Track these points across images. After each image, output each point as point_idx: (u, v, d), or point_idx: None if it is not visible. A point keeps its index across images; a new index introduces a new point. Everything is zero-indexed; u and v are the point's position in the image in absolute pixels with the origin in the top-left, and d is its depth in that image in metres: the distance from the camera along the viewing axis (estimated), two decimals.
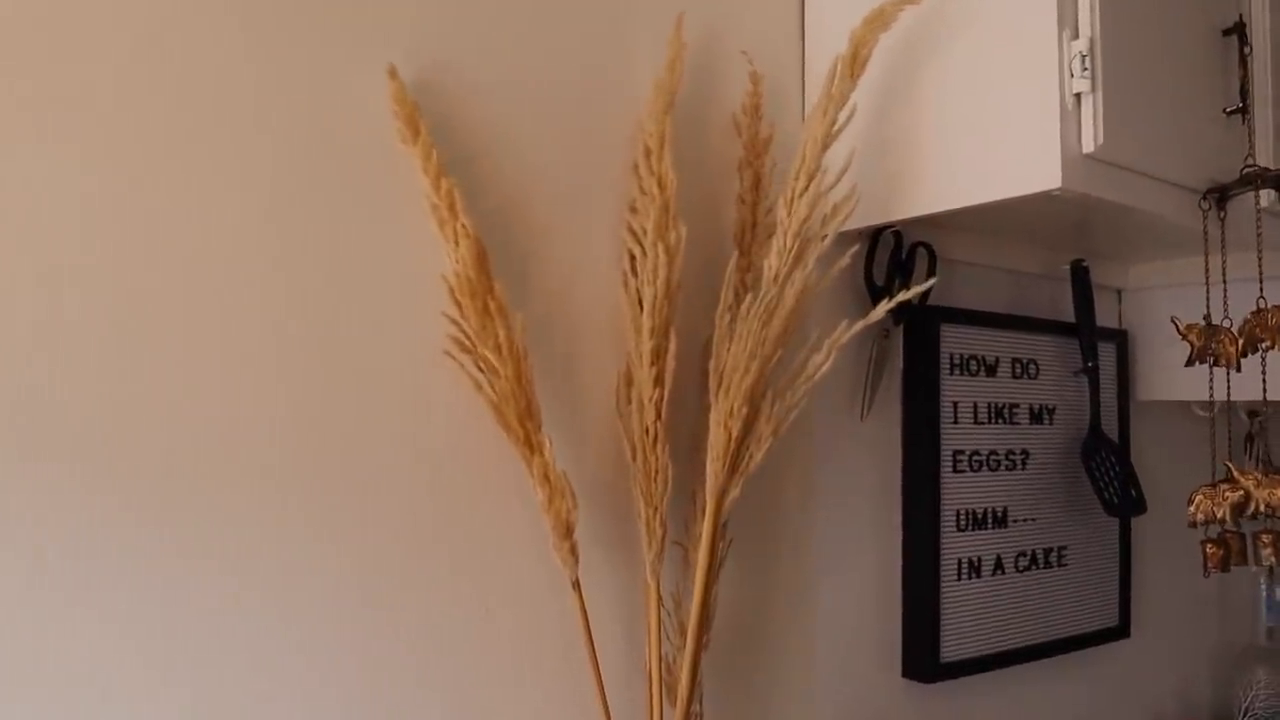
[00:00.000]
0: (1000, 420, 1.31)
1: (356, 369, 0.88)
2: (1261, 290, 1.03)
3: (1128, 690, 1.58)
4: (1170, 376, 1.49)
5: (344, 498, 0.87)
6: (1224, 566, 1.03)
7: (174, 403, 0.79)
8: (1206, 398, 1.10)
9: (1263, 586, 1.70)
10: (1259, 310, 1.02)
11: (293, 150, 0.86)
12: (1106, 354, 1.46)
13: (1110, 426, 1.45)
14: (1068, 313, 1.39)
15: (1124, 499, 1.37)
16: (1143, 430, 1.55)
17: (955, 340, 1.26)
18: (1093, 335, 1.38)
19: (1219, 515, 1.01)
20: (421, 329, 0.90)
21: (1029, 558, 1.35)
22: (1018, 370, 1.34)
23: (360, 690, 0.87)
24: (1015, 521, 1.33)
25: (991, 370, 1.31)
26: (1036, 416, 1.36)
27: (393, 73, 0.89)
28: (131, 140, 0.78)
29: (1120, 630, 1.49)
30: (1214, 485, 1.03)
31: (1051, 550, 1.38)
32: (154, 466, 0.78)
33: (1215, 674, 1.74)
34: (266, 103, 0.85)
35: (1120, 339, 1.50)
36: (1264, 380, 1.03)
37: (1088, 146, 0.92)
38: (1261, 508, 0.99)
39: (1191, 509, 1.04)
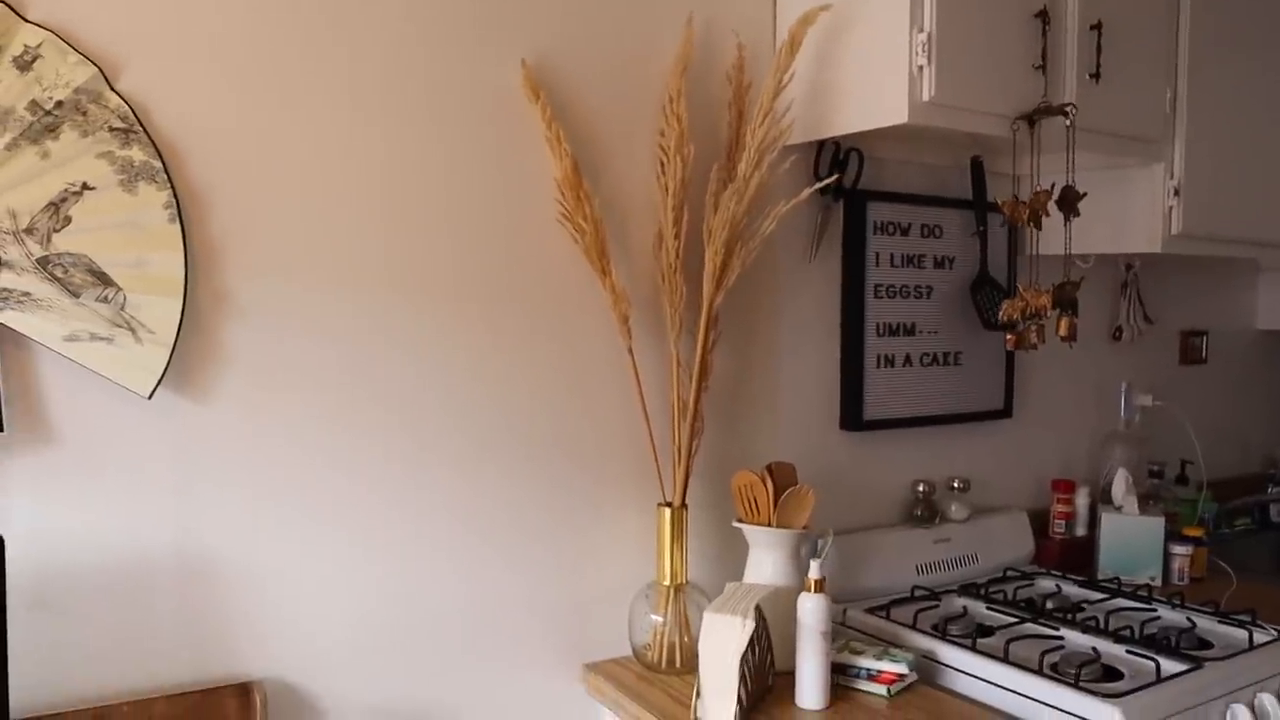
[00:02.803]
0: (911, 265, 1.98)
1: (509, 230, 1.59)
2: (1038, 178, 1.68)
3: (1015, 455, 2.27)
4: (1046, 238, 2.13)
5: (501, 304, 1.59)
6: (1019, 346, 1.70)
7: (413, 248, 1.51)
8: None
9: (1123, 388, 2.37)
10: (1035, 193, 1.67)
11: (469, 107, 1.55)
12: (997, 222, 2.10)
13: (1001, 273, 2.11)
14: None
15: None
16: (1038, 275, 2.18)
17: (878, 212, 1.93)
18: (983, 209, 2.03)
19: (1015, 315, 1.69)
20: (544, 207, 1.61)
21: (931, 357, 2.03)
22: (925, 232, 2.00)
23: (502, 399, 1.61)
24: (922, 333, 2.01)
25: (905, 232, 1.97)
26: (939, 264, 2.03)
27: (523, 63, 1.57)
28: (388, 114, 1.48)
29: (1005, 412, 2.17)
30: (1013, 298, 1.70)
31: (949, 354, 2.06)
32: (413, 287, 1.50)
33: (1091, 450, 2.42)
34: (452, 82, 1.53)
35: None
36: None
37: (926, 96, 1.56)
38: (1032, 310, 1.66)
39: (1001, 314, 1.71)
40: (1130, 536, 2.10)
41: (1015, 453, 2.27)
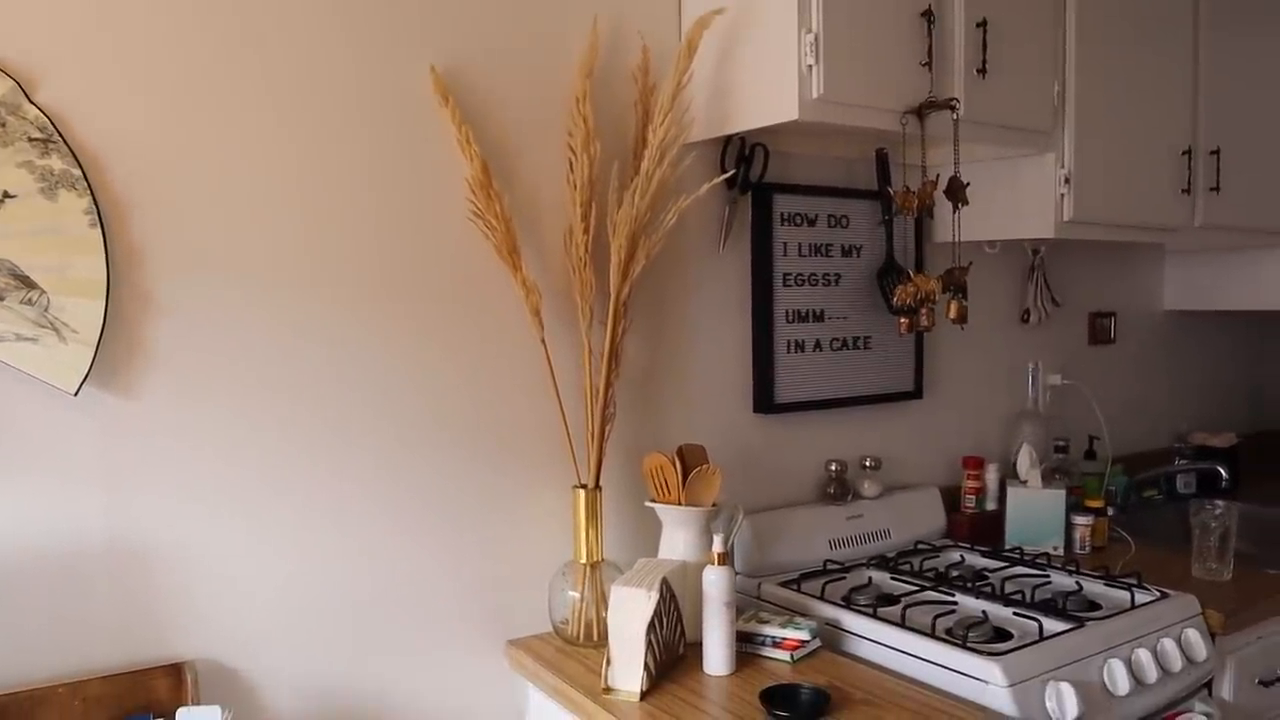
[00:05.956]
0: (819, 254, 2.08)
1: (426, 226, 1.67)
2: (925, 171, 1.78)
3: (926, 434, 2.38)
4: (950, 226, 2.23)
5: (418, 298, 1.67)
6: (911, 330, 1.81)
7: (332, 246, 1.58)
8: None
9: (1030, 369, 2.48)
10: (922, 184, 1.77)
11: (383, 111, 1.62)
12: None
13: (910, 260, 2.21)
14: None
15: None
16: (945, 262, 2.29)
17: (784, 204, 2.02)
18: (888, 199, 2.12)
19: (907, 300, 1.79)
20: (455, 205, 1.69)
21: (841, 341, 2.13)
22: (832, 222, 2.10)
23: (420, 388, 1.69)
24: (831, 318, 2.11)
25: (812, 222, 2.07)
26: (846, 252, 2.13)
27: (433, 68, 1.65)
28: (304, 118, 1.56)
29: (915, 393, 2.28)
30: (904, 284, 1.80)
31: (859, 338, 2.16)
32: (331, 283, 1.58)
33: (1002, 428, 2.53)
34: (365, 87, 1.61)
35: None
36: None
37: (815, 94, 1.65)
38: (923, 295, 1.76)
39: (895, 300, 1.81)
40: (1034, 509, 2.21)
41: (927, 432, 2.38)
